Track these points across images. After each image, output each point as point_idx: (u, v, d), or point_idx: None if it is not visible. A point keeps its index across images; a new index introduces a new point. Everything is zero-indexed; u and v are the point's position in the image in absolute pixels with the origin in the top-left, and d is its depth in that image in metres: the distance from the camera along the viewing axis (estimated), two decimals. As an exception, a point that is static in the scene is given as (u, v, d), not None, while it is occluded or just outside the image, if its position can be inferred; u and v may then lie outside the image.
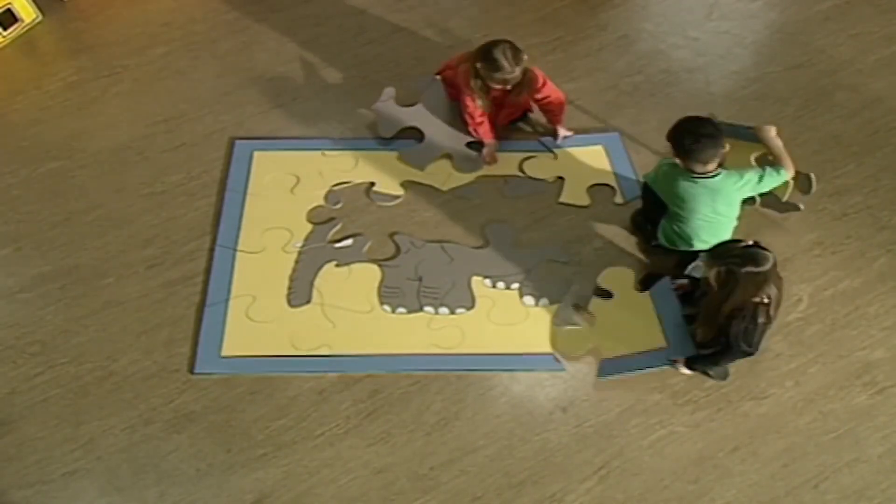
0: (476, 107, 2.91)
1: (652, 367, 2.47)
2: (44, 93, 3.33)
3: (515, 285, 2.68)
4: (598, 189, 2.96)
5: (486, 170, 3.01)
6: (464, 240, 2.82)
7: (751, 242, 2.19)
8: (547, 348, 2.53)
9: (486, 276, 2.70)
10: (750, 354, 2.33)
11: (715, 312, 2.27)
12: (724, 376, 2.47)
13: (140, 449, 2.34)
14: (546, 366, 2.50)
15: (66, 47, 3.56)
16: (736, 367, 2.48)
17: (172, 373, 2.49)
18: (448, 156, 3.04)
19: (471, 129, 3.00)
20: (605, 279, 2.67)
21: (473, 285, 2.68)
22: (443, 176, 3.00)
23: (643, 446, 2.36)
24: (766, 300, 2.18)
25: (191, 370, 2.49)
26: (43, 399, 2.45)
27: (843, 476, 2.30)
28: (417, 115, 3.11)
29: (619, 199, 2.92)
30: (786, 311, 2.60)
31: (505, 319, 2.60)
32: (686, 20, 3.61)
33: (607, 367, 2.48)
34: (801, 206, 2.73)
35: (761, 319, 2.21)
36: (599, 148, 3.07)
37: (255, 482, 2.29)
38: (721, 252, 2.24)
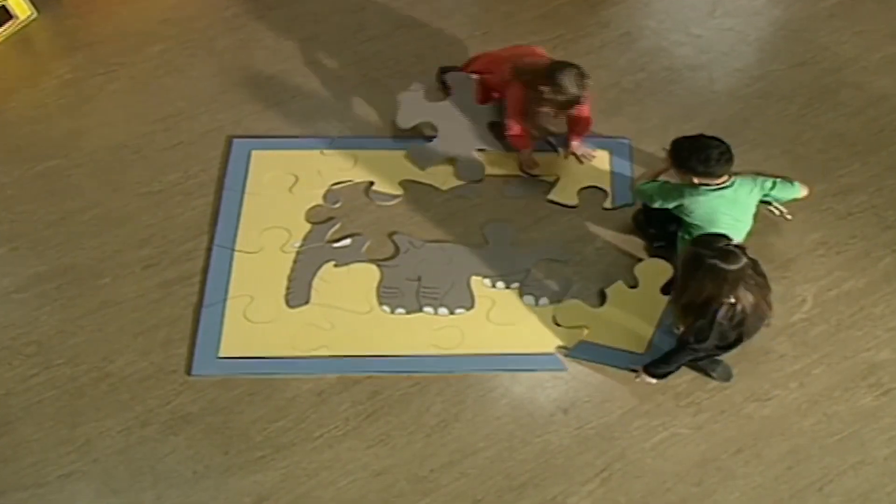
0: (516, 124, 2.87)
1: (615, 366, 2.48)
2: (39, 91, 3.30)
3: (515, 285, 2.66)
4: (592, 192, 2.92)
5: (487, 172, 2.96)
6: (463, 239, 2.79)
7: (737, 242, 2.16)
8: (547, 348, 2.51)
9: (485, 276, 2.68)
10: (697, 354, 2.30)
11: (676, 298, 2.26)
12: (728, 377, 2.45)
13: (137, 451, 2.33)
14: (546, 365, 2.49)
15: (61, 45, 3.53)
16: (739, 368, 2.46)
17: (169, 374, 2.48)
18: (452, 160, 2.98)
19: (508, 138, 2.93)
20: (641, 269, 2.66)
21: (473, 285, 2.66)
22: (443, 175, 2.97)
23: (645, 448, 2.34)
24: (732, 301, 2.12)
25: (188, 371, 2.47)
26: (39, 400, 2.43)
27: (847, 478, 2.28)
28: (439, 113, 3.04)
29: (607, 204, 2.88)
30: (790, 312, 2.59)
31: (505, 319, 2.58)
32: (689, 17, 3.58)
33: (581, 350, 2.50)
34: (789, 217, 2.76)
35: (722, 320, 2.15)
36: (605, 152, 3.02)
37: (254, 484, 2.28)
38: (705, 239, 2.21)
